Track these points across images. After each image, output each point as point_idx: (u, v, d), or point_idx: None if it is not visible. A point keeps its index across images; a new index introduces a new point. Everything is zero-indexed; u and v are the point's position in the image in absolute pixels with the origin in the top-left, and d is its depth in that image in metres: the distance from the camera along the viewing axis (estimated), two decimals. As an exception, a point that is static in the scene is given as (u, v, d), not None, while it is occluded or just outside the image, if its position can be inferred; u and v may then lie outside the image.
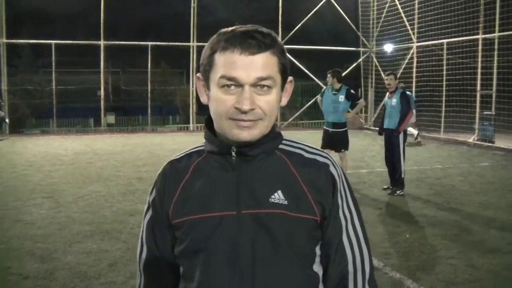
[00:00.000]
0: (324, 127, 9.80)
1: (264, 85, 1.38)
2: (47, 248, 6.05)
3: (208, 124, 1.50)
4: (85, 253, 5.81)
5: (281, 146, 1.52)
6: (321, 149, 1.56)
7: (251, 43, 1.36)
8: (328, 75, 9.66)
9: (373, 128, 20.89)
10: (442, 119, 18.72)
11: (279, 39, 1.45)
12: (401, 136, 9.05)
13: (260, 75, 1.37)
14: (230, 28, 1.42)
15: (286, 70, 1.46)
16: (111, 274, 5.21)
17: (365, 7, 23.62)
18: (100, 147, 16.03)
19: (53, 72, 22.25)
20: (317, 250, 1.48)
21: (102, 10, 21.52)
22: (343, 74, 22.99)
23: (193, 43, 22.53)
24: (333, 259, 1.48)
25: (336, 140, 9.52)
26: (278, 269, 1.41)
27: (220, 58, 1.39)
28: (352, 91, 9.63)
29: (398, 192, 9.00)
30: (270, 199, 1.42)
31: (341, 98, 9.41)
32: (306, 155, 1.52)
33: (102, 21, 21.59)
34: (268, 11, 24.42)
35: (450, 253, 5.97)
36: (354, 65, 23.97)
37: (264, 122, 1.41)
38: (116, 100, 26.72)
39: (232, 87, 1.38)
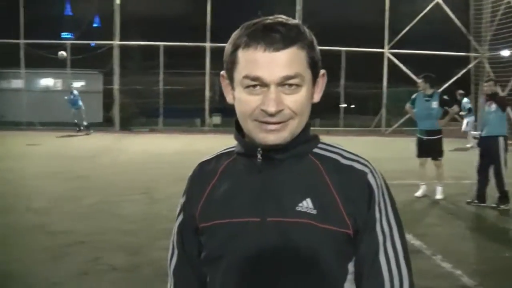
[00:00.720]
0: (417, 135, 9.40)
1: (292, 84, 1.26)
2: (137, 242, 6.27)
3: (238, 124, 1.40)
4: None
5: (315, 150, 1.38)
6: (361, 156, 1.41)
7: (275, 37, 1.24)
8: (421, 80, 9.22)
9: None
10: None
11: (308, 29, 1.32)
12: (502, 145, 8.46)
13: (286, 74, 1.24)
14: (253, 21, 1.29)
15: (316, 64, 1.32)
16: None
17: (478, 9, 22.44)
18: (199, 147, 16.38)
19: (161, 73, 23.16)
20: (350, 267, 1.33)
21: (208, 12, 22.13)
22: (451, 81, 22.44)
23: (297, 47, 22.55)
24: (367, 278, 1.32)
25: (431, 148, 9.10)
26: (302, 285, 1.30)
27: (243, 56, 1.27)
28: (445, 97, 9.17)
29: (502, 206, 8.39)
30: (297, 207, 1.29)
31: (435, 104, 8.98)
32: (342, 161, 1.37)
33: (208, 23, 22.19)
34: (374, 14, 23.96)
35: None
36: (463, 71, 22.89)
37: (295, 121, 1.29)
38: (222, 101, 27.40)
39: (257, 87, 1.26)
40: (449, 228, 7.26)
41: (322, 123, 27.26)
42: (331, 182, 1.32)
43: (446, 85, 21.57)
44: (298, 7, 22.82)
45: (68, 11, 54.35)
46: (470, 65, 22.90)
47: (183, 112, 25.36)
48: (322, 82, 1.38)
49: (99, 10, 31.19)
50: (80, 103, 20.62)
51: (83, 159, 13.47)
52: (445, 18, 22.67)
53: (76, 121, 20.90)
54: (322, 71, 1.38)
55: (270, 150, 1.32)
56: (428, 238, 6.63)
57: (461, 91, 18.69)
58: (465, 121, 18.53)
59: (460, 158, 13.71)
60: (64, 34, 48.43)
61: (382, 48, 23.11)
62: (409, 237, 6.65)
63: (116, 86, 22.64)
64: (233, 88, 1.34)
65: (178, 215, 1.50)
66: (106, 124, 24.58)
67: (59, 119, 23.24)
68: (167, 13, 25.31)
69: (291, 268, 1.29)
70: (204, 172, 1.46)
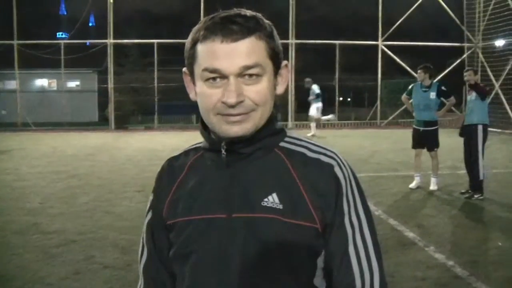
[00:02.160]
0: (414, 126, 9.40)
1: (252, 74, 1.24)
2: (130, 240, 6.23)
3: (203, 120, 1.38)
4: (163, 247, 5.93)
5: (282, 144, 1.36)
6: (328, 148, 1.37)
7: (233, 28, 1.22)
8: (420, 71, 9.17)
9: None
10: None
11: (267, 21, 1.30)
12: (480, 134, 8.46)
13: (245, 64, 1.23)
14: (211, 15, 1.29)
15: (277, 54, 1.31)
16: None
17: (470, 0, 22.43)
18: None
19: (155, 70, 23.17)
20: (319, 262, 1.31)
21: (202, 10, 22.12)
22: (446, 72, 22.44)
23: (292, 40, 22.55)
24: (337, 272, 1.30)
25: (428, 139, 9.10)
26: (270, 281, 1.27)
27: (202, 49, 1.26)
28: (443, 87, 9.13)
29: (476, 196, 8.35)
30: (262, 203, 1.28)
31: (432, 95, 8.97)
32: (309, 154, 1.34)
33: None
34: (368, 7, 23.96)
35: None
36: (457, 61, 22.88)
37: (257, 113, 1.27)
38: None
39: (217, 79, 1.24)
40: (443, 219, 7.25)
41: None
42: (297, 176, 1.30)
43: (441, 75, 21.58)
44: (292, 1, 22.74)
45: (63, 10, 54.44)
46: (464, 55, 22.89)
47: (179, 109, 25.35)
48: (285, 73, 1.36)
49: (93, 9, 31.16)
50: None
51: (78, 158, 13.47)
52: (439, 9, 22.70)
53: None
54: (285, 62, 1.35)
55: (235, 144, 1.30)
56: (422, 230, 6.64)
57: (308, 79, 19.04)
58: (313, 106, 18.81)
59: (457, 148, 13.69)
60: (60, 34, 48.51)
61: (376, 40, 23.08)
62: (402, 228, 6.68)
63: (110, 84, 22.59)
64: (195, 84, 1.32)
65: (147, 212, 1.48)
66: (101, 123, 24.59)
67: (54, 119, 23.25)
68: (161, 10, 25.34)
69: (258, 264, 1.27)
70: (172, 168, 1.44)
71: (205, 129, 1.37)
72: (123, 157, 13.55)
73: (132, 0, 24.66)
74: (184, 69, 1.36)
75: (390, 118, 23.64)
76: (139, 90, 26.11)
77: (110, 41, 22.29)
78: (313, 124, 18.99)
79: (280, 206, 1.27)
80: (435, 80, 9.47)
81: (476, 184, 8.46)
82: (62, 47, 23.19)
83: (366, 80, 26.60)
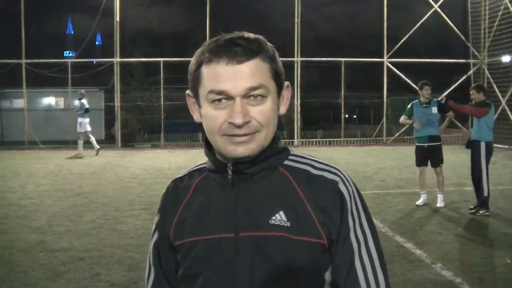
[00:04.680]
0: (417, 144, 9.40)
1: (257, 95, 1.28)
2: (136, 257, 6.25)
3: (208, 141, 1.41)
4: (168, 264, 5.92)
5: (286, 162, 1.39)
6: (331, 165, 1.40)
7: (237, 51, 1.26)
8: (428, 87, 9.18)
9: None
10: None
11: (269, 43, 1.34)
12: (482, 151, 8.46)
13: (250, 85, 1.26)
14: (215, 38, 1.32)
15: (280, 75, 1.35)
16: None
17: (475, 16, 22.49)
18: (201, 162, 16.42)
19: (161, 88, 23.28)
20: (327, 277, 1.33)
21: (208, 29, 22.28)
22: (452, 87, 22.46)
23: (298, 58, 22.64)
24: (343, 286, 1.32)
25: (434, 155, 9.11)
26: None
27: (207, 71, 1.29)
28: (442, 101, 9.22)
29: (481, 212, 8.34)
30: (270, 221, 1.30)
31: (434, 109, 9.05)
32: (313, 171, 1.37)
33: (207, 39, 22.30)
34: (373, 24, 24.05)
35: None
36: (463, 77, 22.89)
37: (262, 134, 1.30)
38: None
39: (223, 100, 1.27)
40: (450, 236, 7.21)
41: (324, 134, 27.35)
42: (303, 194, 1.33)
43: (447, 92, 21.61)
44: (297, 19, 22.89)
45: (70, 29, 54.98)
46: (470, 72, 22.90)
47: (185, 127, 25.41)
48: (287, 94, 1.40)
49: (100, 28, 31.46)
50: None
51: (84, 176, 13.50)
52: (444, 25, 22.77)
53: None
54: (286, 83, 1.39)
55: (240, 165, 1.33)
56: (428, 247, 6.60)
57: (82, 91, 18.49)
58: (78, 121, 18.20)
59: (462, 165, 13.67)
60: (67, 53, 48.98)
61: (382, 57, 23.16)
62: (409, 245, 6.64)
63: (117, 103, 22.72)
64: (199, 106, 1.35)
65: (154, 233, 1.50)
66: (108, 141, 24.69)
67: (62, 137, 23.35)
68: (166, 29, 25.51)
69: (267, 281, 1.29)
70: (177, 190, 1.47)
71: (210, 150, 1.40)
72: (129, 175, 13.57)
73: (138, 19, 24.82)
74: (188, 91, 1.39)
75: (396, 135, 23.61)
76: (145, 108, 26.25)
77: (117, 59, 22.47)
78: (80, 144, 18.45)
79: (288, 224, 1.30)
80: (438, 97, 9.53)
81: (481, 201, 8.44)
82: (69, 65, 23.36)
83: (372, 97, 26.64)
